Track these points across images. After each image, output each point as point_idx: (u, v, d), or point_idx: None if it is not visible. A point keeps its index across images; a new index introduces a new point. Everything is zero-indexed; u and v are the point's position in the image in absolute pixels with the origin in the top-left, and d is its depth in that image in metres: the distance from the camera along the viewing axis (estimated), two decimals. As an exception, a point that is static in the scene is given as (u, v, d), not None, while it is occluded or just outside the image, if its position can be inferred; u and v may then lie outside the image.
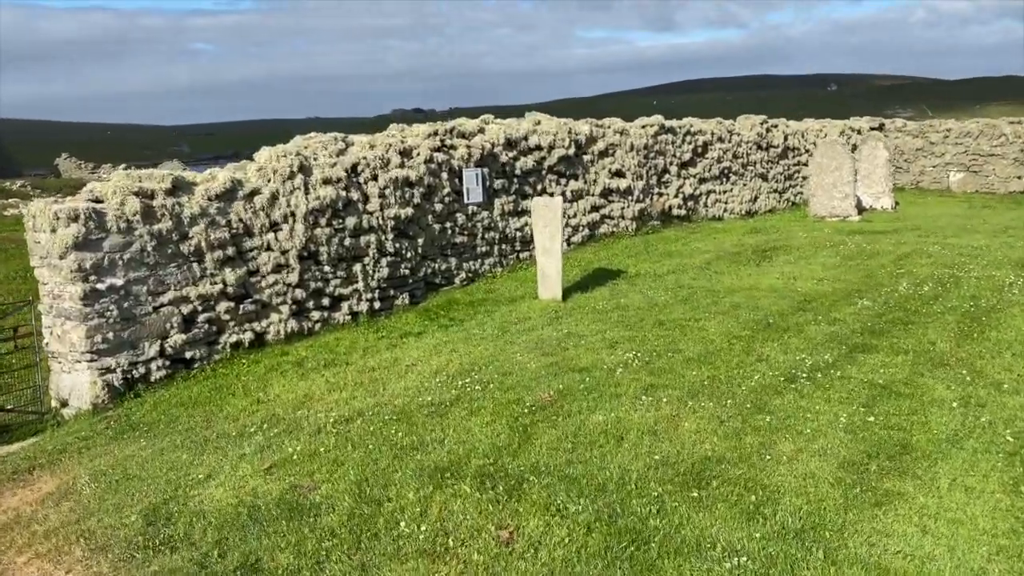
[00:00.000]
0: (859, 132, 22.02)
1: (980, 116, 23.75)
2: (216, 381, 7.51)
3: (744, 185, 17.14)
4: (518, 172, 11.77)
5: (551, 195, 12.39)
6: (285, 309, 8.73)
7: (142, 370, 7.48)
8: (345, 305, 9.38)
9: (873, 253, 12.06)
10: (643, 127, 14.35)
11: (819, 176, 17.02)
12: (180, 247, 7.80)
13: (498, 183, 11.46)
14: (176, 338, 7.74)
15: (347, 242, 9.26)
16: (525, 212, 12.00)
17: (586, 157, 13.08)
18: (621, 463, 4.88)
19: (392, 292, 9.94)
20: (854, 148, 19.22)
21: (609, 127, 13.58)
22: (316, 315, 9.06)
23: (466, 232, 11.04)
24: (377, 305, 9.69)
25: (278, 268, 8.66)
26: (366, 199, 9.55)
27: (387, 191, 9.70)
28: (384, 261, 9.73)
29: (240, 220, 8.31)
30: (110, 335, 7.24)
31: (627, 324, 8.35)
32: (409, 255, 10.08)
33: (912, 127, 23.30)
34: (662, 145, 14.68)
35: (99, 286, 7.18)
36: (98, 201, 7.42)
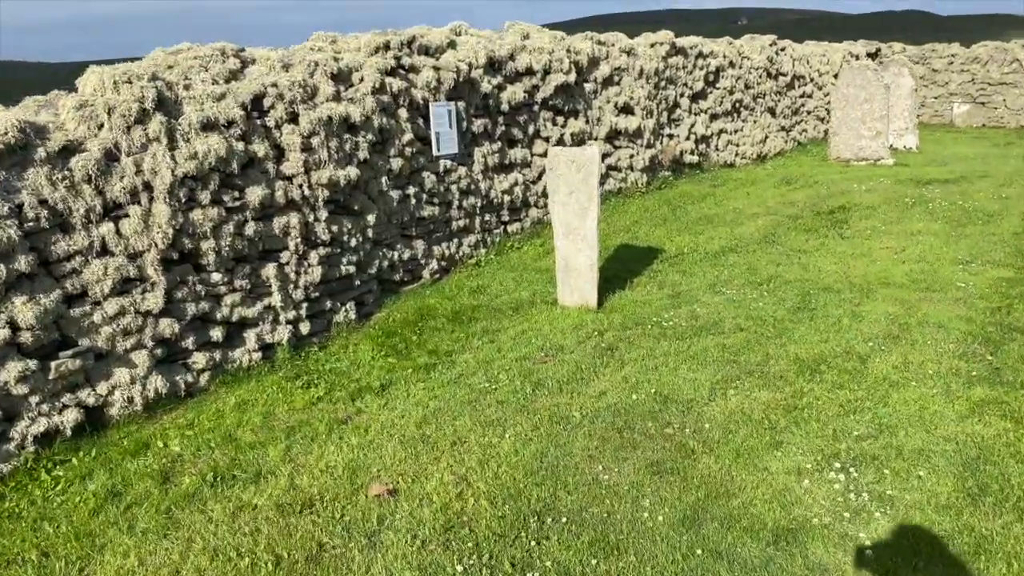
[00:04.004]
0: (857, 58, 18.90)
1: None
2: (-9, 539, 3.68)
3: (755, 122, 13.74)
4: (504, 108, 7.98)
5: (546, 139, 8.68)
6: (142, 358, 4.88)
7: None
8: (251, 335, 5.57)
9: (983, 215, 8.86)
10: (652, 46, 10.68)
11: (844, 109, 13.74)
12: (-92, 263, 3.87)
13: (478, 124, 7.67)
14: (-91, 447, 3.85)
15: (250, 229, 5.41)
16: (513, 166, 8.28)
17: (587, 86, 9.36)
18: None
19: (329, 304, 6.15)
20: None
21: (613, 45, 9.86)
22: (200, 359, 5.23)
23: (436, 200, 7.25)
24: (305, 328, 5.90)
25: (125, 286, 4.79)
26: (281, 154, 5.68)
27: (315, 140, 5.82)
28: (315, 255, 5.92)
29: (43, 203, 4.38)
30: None
31: (750, 370, 4.85)
32: (354, 242, 6.28)
33: (912, 52, 20.27)
34: (672, 71, 11.06)
35: None
36: None
